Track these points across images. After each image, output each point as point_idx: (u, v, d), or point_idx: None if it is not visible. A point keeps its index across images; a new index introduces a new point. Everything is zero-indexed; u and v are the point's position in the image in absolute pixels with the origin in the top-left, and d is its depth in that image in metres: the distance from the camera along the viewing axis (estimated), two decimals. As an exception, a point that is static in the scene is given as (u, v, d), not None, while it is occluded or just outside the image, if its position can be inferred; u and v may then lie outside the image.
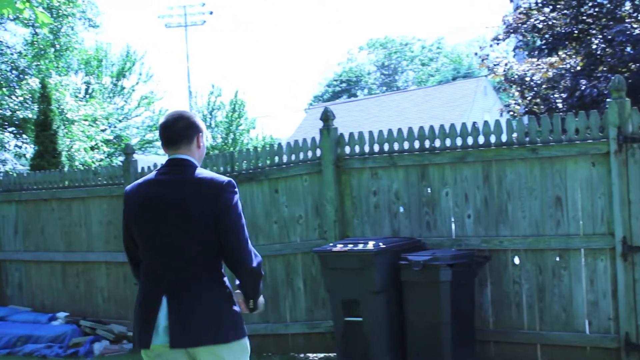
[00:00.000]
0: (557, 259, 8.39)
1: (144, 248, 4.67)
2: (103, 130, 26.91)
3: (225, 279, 4.64)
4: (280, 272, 10.03)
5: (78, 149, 21.43)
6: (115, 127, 32.94)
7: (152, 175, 4.74)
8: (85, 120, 23.12)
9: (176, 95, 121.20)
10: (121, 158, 24.97)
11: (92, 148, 23.57)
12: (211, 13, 55.64)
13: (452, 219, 8.95)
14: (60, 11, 23.63)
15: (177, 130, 4.70)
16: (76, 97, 27.62)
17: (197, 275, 4.55)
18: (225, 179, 4.62)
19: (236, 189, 4.60)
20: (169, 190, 4.60)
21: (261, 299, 4.79)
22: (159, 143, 34.31)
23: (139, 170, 11.48)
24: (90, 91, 32.67)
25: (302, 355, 9.81)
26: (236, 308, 4.65)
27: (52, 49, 23.76)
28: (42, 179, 12.58)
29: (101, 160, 25.49)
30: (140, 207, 4.66)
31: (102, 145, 25.55)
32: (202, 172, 4.67)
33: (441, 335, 8.15)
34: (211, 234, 4.54)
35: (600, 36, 15.85)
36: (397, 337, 8.44)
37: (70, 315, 12.01)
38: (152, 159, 31.41)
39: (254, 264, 4.59)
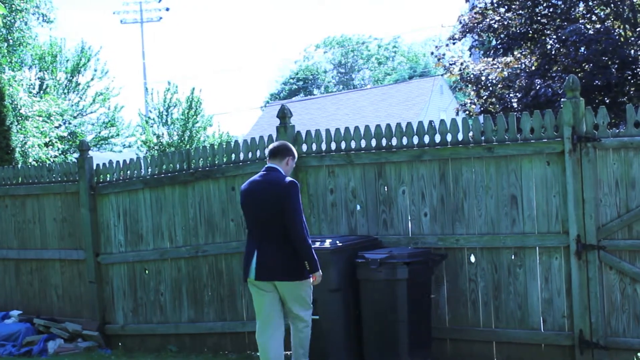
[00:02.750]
0: (513, 257, 8.46)
1: (248, 221, 7.72)
2: (57, 127, 26.61)
3: None
4: (237, 270, 10.00)
5: (32, 145, 21.14)
6: (70, 123, 32.56)
7: (258, 175, 7.72)
8: (40, 116, 22.82)
9: (132, 91, 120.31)
10: (76, 155, 24.67)
11: (46, 144, 23.26)
12: (167, 9, 55.13)
13: (409, 217, 8.99)
14: (13, 5, 23.36)
15: (277, 150, 7.74)
16: (30, 92, 27.30)
17: (276, 239, 7.42)
18: (289, 180, 7.50)
19: (297, 187, 7.48)
20: (263, 186, 7.57)
21: (319, 272, 7.53)
22: (114, 140, 34.06)
23: (94, 167, 11.38)
24: (44, 87, 32.24)
25: (258, 353, 9.74)
26: (300, 260, 7.42)
27: (5, 44, 23.45)
28: (-5, 175, 12.40)
29: (55, 156, 25.18)
30: (247, 195, 7.66)
31: (56, 142, 25.26)
32: (282, 176, 7.57)
33: (397, 333, 8.18)
34: (283, 215, 7.35)
35: (554, 36, 16.00)
36: (354, 335, 8.45)
37: (24, 314, 11.88)
38: (107, 155, 31.14)
39: (304, 240, 7.38)
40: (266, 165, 7.70)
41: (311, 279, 7.57)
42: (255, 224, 7.57)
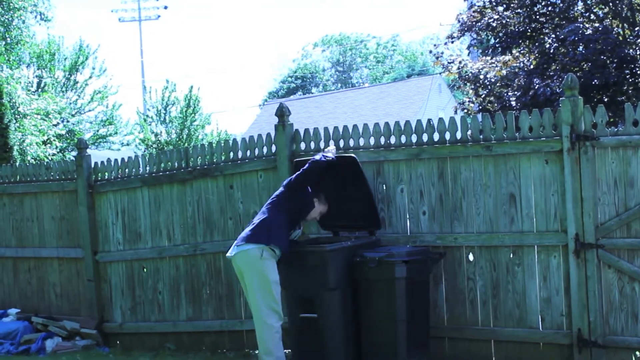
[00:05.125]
0: (511, 255, 8.45)
1: None
2: (56, 125, 26.62)
3: (269, 227, 8.23)
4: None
5: (30, 144, 21.13)
6: (68, 121, 32.56)
7: None
8: (38, 114, 22.81)
9: (130, 90, 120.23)
10: (74, 153, 24.62)
11: (44, 142, 23.25)
12: (166, 8, 55.06)
13: (407, 216, 8.97)
14: (11, 4, 23.32)
15: None
16: (28, 90, 27.26)
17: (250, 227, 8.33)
18: None
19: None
20: None
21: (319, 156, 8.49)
22: (112, 138, 34.12)
23: (92, 165, 11.36)
24: (42, 85, 32.25)
25: (256, 351, 9.75)
26: (264, 235, 8.14)
27: (3, 42, 23.42)
28: (-7, 173, 12.38)
29: (54, 155, 25.17)
30: None
31: (54, 140, 25.24)
32: None
33: (396, 332, 8.17)
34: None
35: (553, 35, 16.02)
36: (352, 334, 8.43)
37: (22, 312, 11.87)
38: (105, 154, 31.09)
39: (310, 171, 8.37)
40: None
41: (272, 271, 8.16)
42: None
